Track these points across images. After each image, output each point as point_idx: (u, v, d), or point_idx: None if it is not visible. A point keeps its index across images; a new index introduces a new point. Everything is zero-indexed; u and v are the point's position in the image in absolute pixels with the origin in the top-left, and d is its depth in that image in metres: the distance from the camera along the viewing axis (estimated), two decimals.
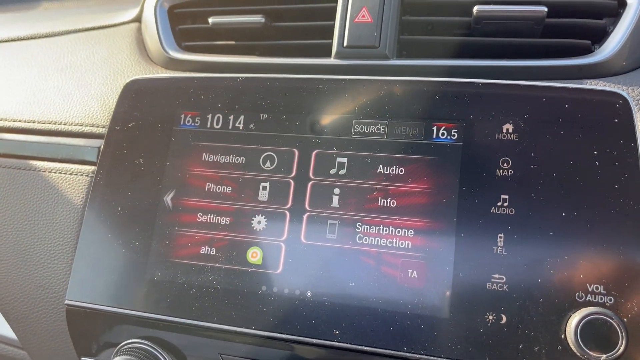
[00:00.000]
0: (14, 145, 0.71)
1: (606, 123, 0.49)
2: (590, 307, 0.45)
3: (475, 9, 0.59)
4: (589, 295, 0.46)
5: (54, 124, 0.69)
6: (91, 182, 0.63)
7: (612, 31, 0.59)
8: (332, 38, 0.64)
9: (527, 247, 0.48)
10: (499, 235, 0.49)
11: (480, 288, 0.48)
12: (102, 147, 0.62)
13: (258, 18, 0.67)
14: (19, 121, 0.72)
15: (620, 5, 0.60)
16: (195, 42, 0.73)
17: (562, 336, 0.45)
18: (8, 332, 0.72)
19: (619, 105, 0.49)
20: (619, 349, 0.43)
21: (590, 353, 0.44)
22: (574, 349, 0.44)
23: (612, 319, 0.44)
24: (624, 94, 0.49)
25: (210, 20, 0.69)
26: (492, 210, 0.49)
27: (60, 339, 0.64)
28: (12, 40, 0.86)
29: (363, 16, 0.62)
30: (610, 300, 0.45)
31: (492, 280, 0.48)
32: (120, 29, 0.80)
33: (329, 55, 0.63)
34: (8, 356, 0.75)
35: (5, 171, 0.69)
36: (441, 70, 0.60)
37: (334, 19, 0.64)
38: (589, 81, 0.56)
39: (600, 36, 0.60)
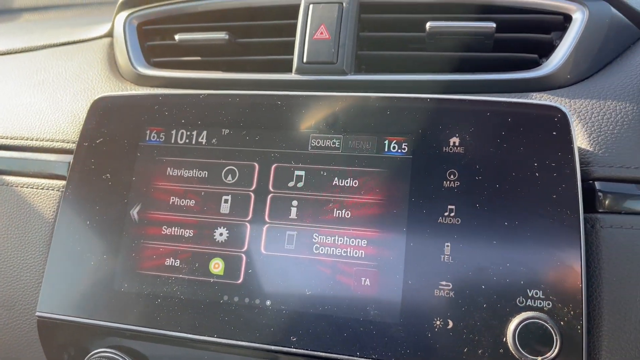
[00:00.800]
0: None
1: (546, 136, 0.51)
2: (529, 312, 0.47)
3: (428, 25, 0.62)
4: (529, 300, 0.48)
5: (26, 139, 0.71)
6: (61, 197, 0.65)
7: (558, 45, 0.61)
8: (293, 54, 0.66)
9: (472, 255, 0.50)
10: (446, 244, 0.51)
11: (428, 295, 0.50)
12: (71, 162, 0.64)
13: (222, 35, 0.69)
14: None
15: (567, 20, 0.63)
16: (163, 59, 0.75)
17: (504, 340, 0.48)
18: None
19: (557, 119, 0.51)
20: (553, 352, 0.46)
21: (528, 356, 0.46)
22: (513, 352, 0.47)
23: (547, 322, 0.46)
24: (563, 108, 0.51)
25: (177, 37, 0.72)
26: (439, 220, 0.52)
27: (33, 350, 0.65)
28: None
29: (321, 33, 0.65)
30: (549, 304, 0.47)
31: (440, 287, 0.50)
32: (93, 44, 0.82)
33: (290, 70, 0.66)
34: None
35: None
36: (397, 85, 0.63)
37: (294, 36, 0.66)
38: (534, 94, 0.59)
39: (548, 50, 0.62)
